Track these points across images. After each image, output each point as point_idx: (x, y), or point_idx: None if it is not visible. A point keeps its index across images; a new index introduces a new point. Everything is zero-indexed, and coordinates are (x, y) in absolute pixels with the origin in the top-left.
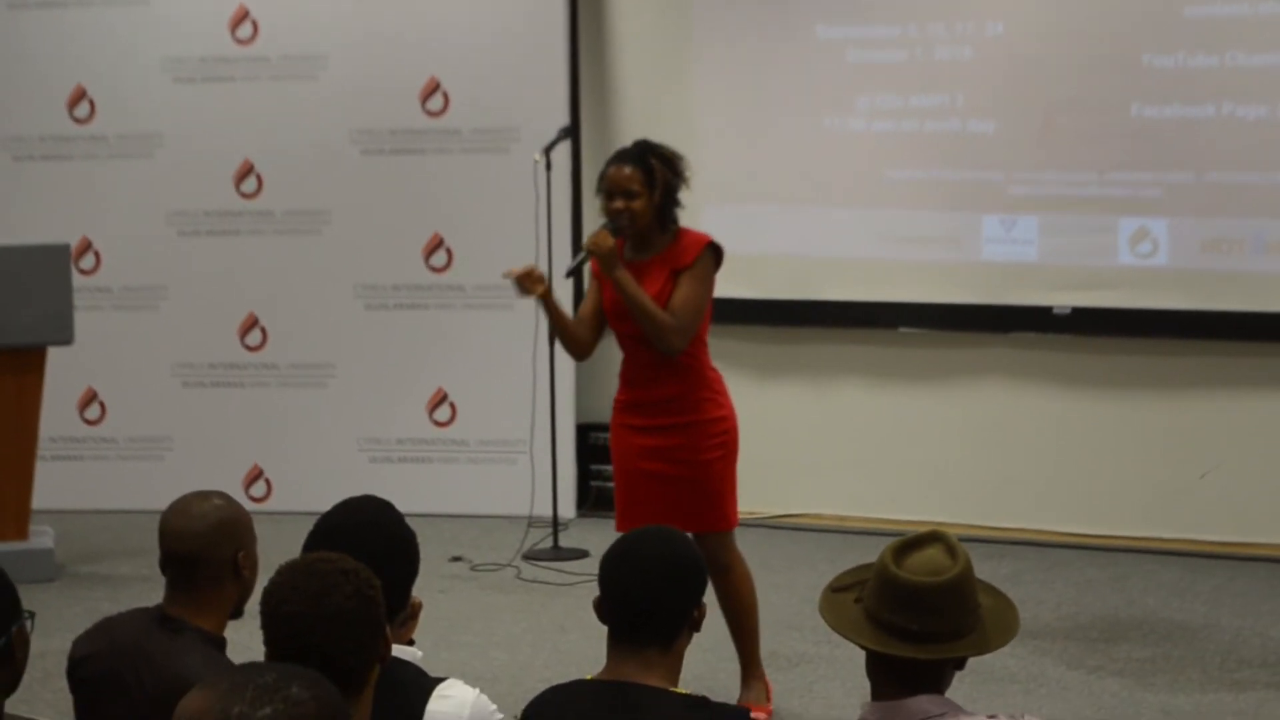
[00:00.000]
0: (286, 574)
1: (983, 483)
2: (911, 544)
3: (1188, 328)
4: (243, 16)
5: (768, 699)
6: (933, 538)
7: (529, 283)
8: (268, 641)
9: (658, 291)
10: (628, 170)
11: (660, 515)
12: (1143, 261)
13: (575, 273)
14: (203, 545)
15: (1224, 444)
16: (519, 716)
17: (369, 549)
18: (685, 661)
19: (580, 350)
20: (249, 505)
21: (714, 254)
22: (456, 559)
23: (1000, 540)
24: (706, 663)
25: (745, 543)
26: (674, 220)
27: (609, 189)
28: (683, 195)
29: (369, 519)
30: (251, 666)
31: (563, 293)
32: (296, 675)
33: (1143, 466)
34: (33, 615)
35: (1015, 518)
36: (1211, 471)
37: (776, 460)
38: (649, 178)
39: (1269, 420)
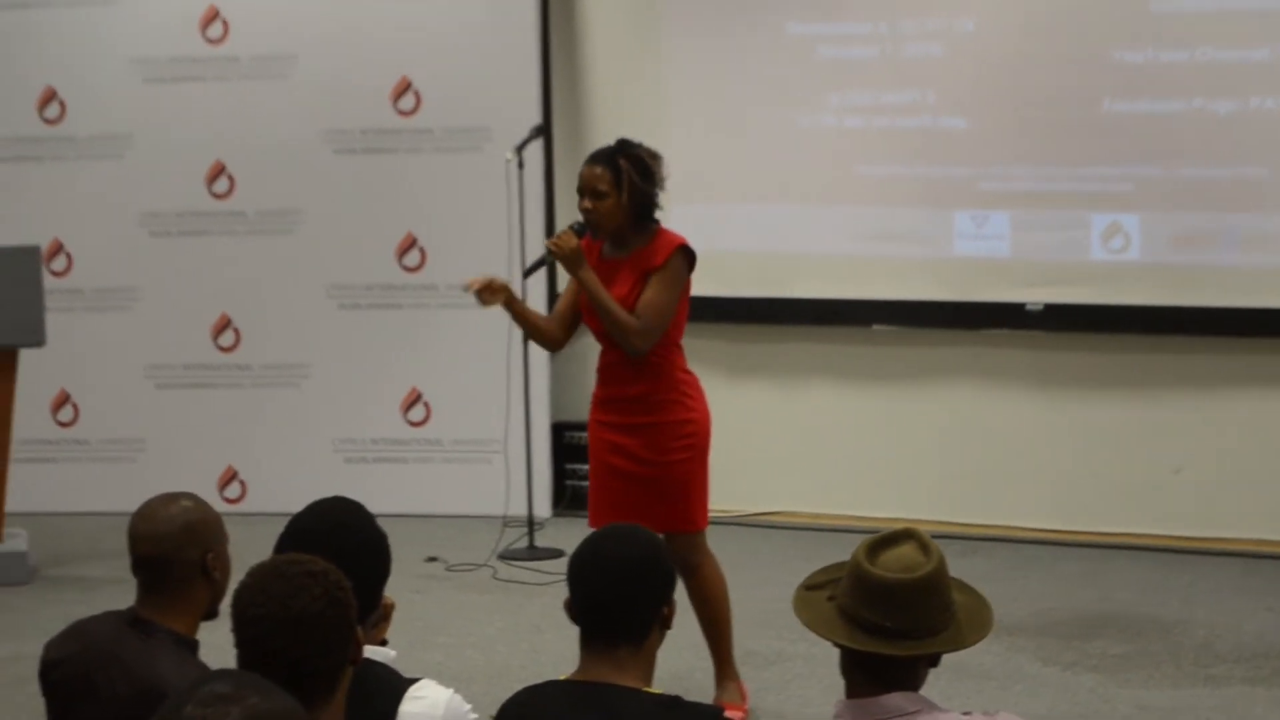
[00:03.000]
0: (256, 576)
1: (956, 479)
2: (885, 541)
3: (1160, 323)
4: (213, 16)
5: (742, 699)
6: (906, 535)
7: (488, 294)
8: (238, 644)
9: (628, 291)
10: (598, 170)
11: (629, 513)
12: (1115, 257)
13: (532, 272)
14: (171, 548)
15: (1197, 439)
16: (494, 717)
17: (339, 550)
18: (662, 660)
19: (553, 345)
20: (223, 507)
21: (686, 256)
22: (432, 559)
23: (974, 537)
24: (684, 660)
25: (717, 541)
26: (651, 220)
27: (580, 187)
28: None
29: (339, 520)
30: (213, 675)
31: (535, 286)
32: (254, 686)
33: (1116, 462)
34: None
35: (989, 514)
36: (1185, 467)
37: (749, 459)
38: (618, 178)
39: (1241, 415)
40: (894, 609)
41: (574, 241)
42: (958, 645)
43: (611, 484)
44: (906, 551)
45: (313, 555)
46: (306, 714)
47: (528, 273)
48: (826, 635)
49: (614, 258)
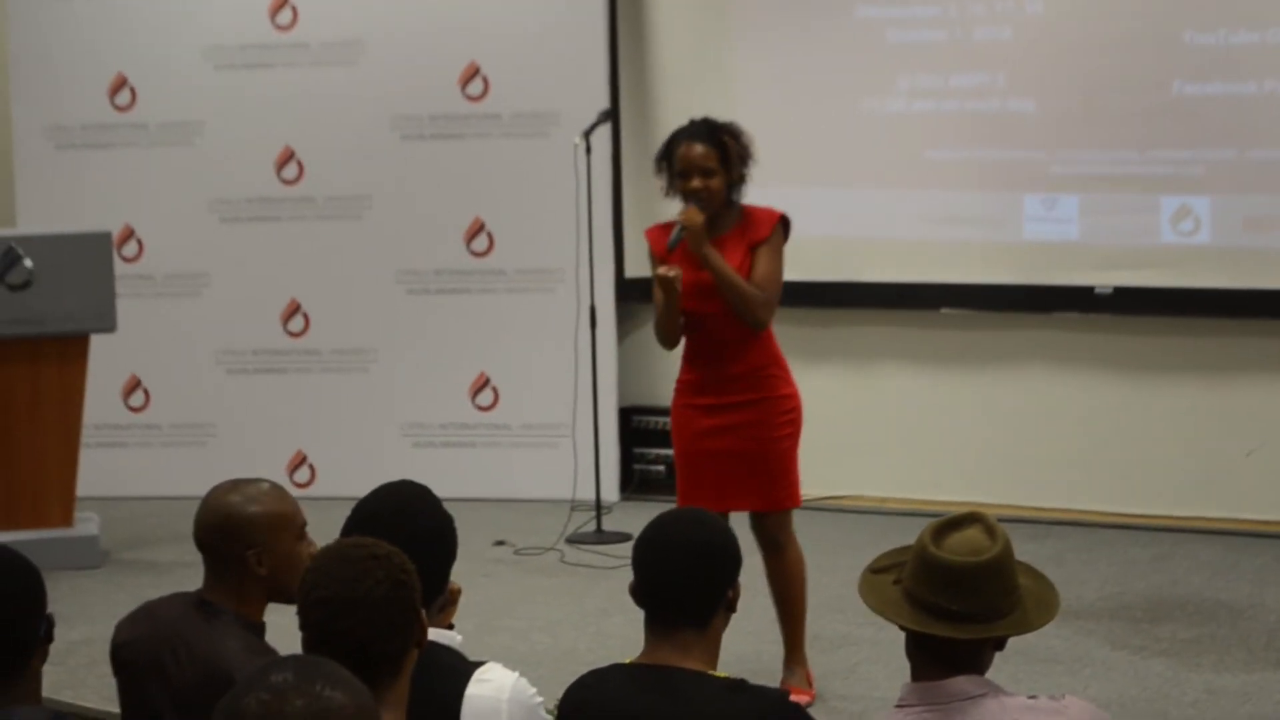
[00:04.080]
0: (320, 560)
1: (1025, 463)
2: (951, 524)
3: (1230, 306)
4: (282, 3)
5: (809, 684)
6: (972, 518)
7: (677, 278)
8: (303, 626)
9: (736, 267)
10: (703, 149)
11: (726, 494)
12: (1185, 240)
13: (673, 248)
14: (212, 539)
15: (1268, 422)
16: (559, 701)
17: (405, 534)
18: (728, 643)
19: (678, 338)
20: (294, 491)
21: (785, 228)
22: (500, 543)
23: (1043, 520)
24: (751, 644)
25: None
26: (740, 196)
27: (684, 169)
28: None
29: (405, 504)
30: (279, 663)
31: (602, 270)
32: (321, 674)
33: (1186, 445)
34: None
35: (1058, 498)
36: (1256, 450)
37: (817, 442)
38: (724, 155)
39: None
40: (959, 592)
41: (701, 217)
42: (1023, 629)
43: (708, 467)
44: (972, 535)
45: (379, 539)
46: (373, 700)
47: (671, 248)
48: (892, 618)
49: (709, 237)
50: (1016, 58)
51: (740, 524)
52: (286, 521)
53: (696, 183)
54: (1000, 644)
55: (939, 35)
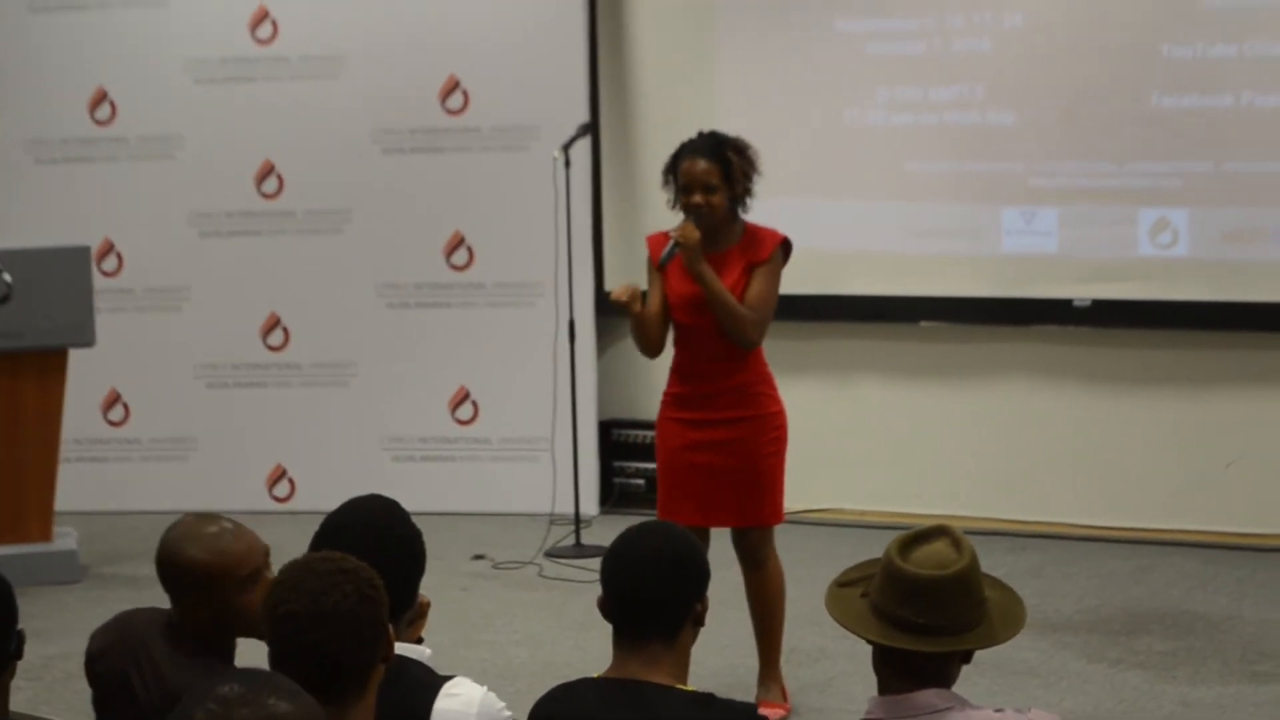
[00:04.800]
0: (287, 573)
1: (1004, 476)
2: (917, 538)
3: (1209, 319)
4: (263, 17)
5: (784, 698)
6: (939, 531)
7: (628, 300)
8: (270, 640)
9: (732, 284)
10: (705, 164)
11: (708, 508)
12: (1163, 252)
13: (666, 263)
14: (160, 574)
15: (1247, 435)
16: (529, 715)
17: (372, 547)
18: (703, 657)
19: (658, 348)
20: (272, 505)
21: (786, 252)
22: (479, 557)
23: (1022, 533)
24: (726, 657)
25: None
26: (744, 210)
27: (687, 183)
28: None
29: (372, 518)
30: (229, 676)
31: (581, 282)
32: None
33: (1165, 458)
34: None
35: (1037, 510)
36: (1236, 462)
37: (797, 455)
38: (727, 171)
39: None
40: (926, 605)
41: (698, 234)
42: (990, 642)
43: (691, 480)
44: (939, 548)
45: (346, 553)
46: (321, 711)
47: (662, 263)
48: (859, 632)
49: (708, 253)
50: (995, 70)
51: (719, 538)
52: (223, 572)
53: (698, 198)
54: (967, 657)
55: (918, 47)
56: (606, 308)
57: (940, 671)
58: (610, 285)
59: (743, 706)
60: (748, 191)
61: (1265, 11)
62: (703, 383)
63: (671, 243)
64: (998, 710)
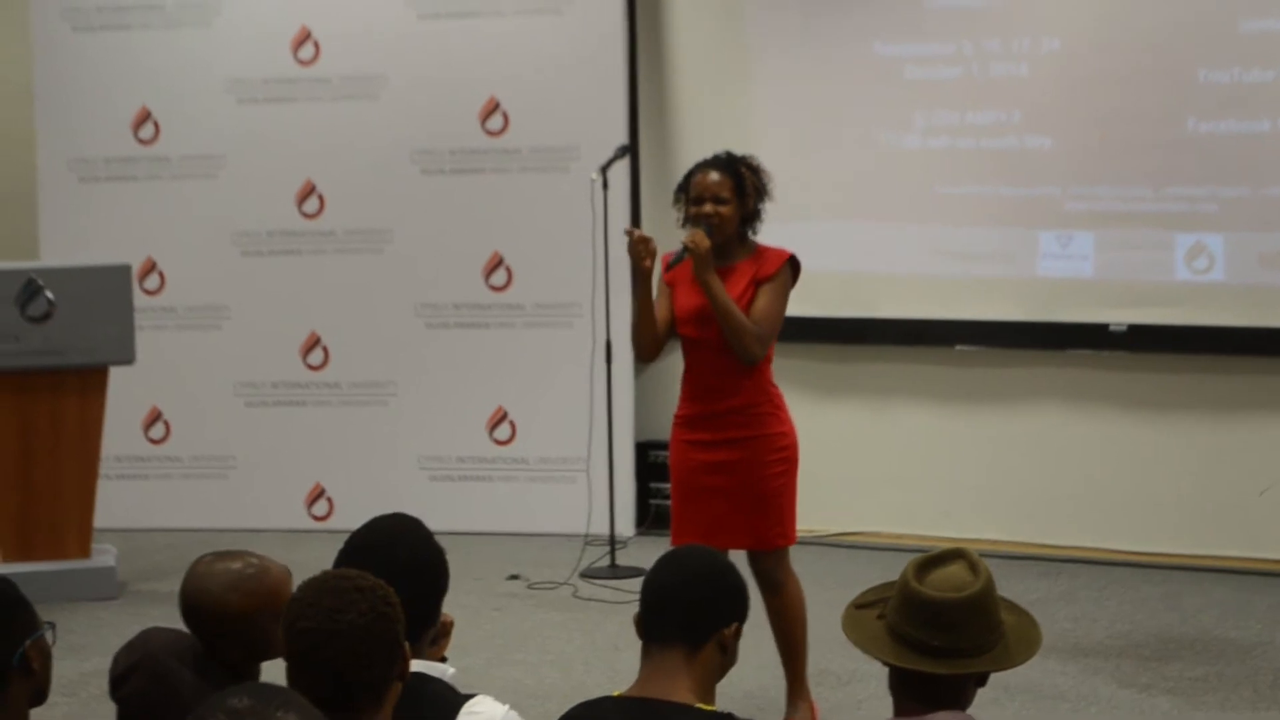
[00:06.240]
0: (305, 590)
1: (1038, 500)
2: (934, 560)
3: (1245, 344)
4: (305, 38)
5: (814, 718)
6: (955, 554)
7: (642, 248)
8: (286, 656)
9: (738, 298)
10: (718, 177)
11: (721, 531)
12: (1199, 277)
13: (672, 268)
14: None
15: None
16: None
17: (394, 566)
18: (735, 679)
19: (652, 348)
20: (310, 524)
21: (794, 269)
22: (514, 577)
23: (1055, 558)
24: (758, 679)
25: (800, 560)
26: (754, 232)
27: (699, 194)
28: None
29: (396, 536)
30: (236, 690)
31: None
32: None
33: (1199, 484)
34: (53, 626)
35: (1070, 535)
36: (1270, 489)
37: (831, 478)
38: (739, 186)
39: None
40: (941, 628)
41: (708, 242)
42: (1004, 665)
43: (702, 503)
44: (955, 571)
45: (368, 571)
46: None
47: (669, 268)
48: (874, 653)
49: (715, 268)
50: (1032, 95)
51: (739, 561)
52: (255, 612)
53: (708, 207)
54: (982, 680)
55: (956, 72)
56: None
57: (955, 694)
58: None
59: None
60: (758, 213)
61: None
62: (708, 402)
63: (681, 247)
64: None
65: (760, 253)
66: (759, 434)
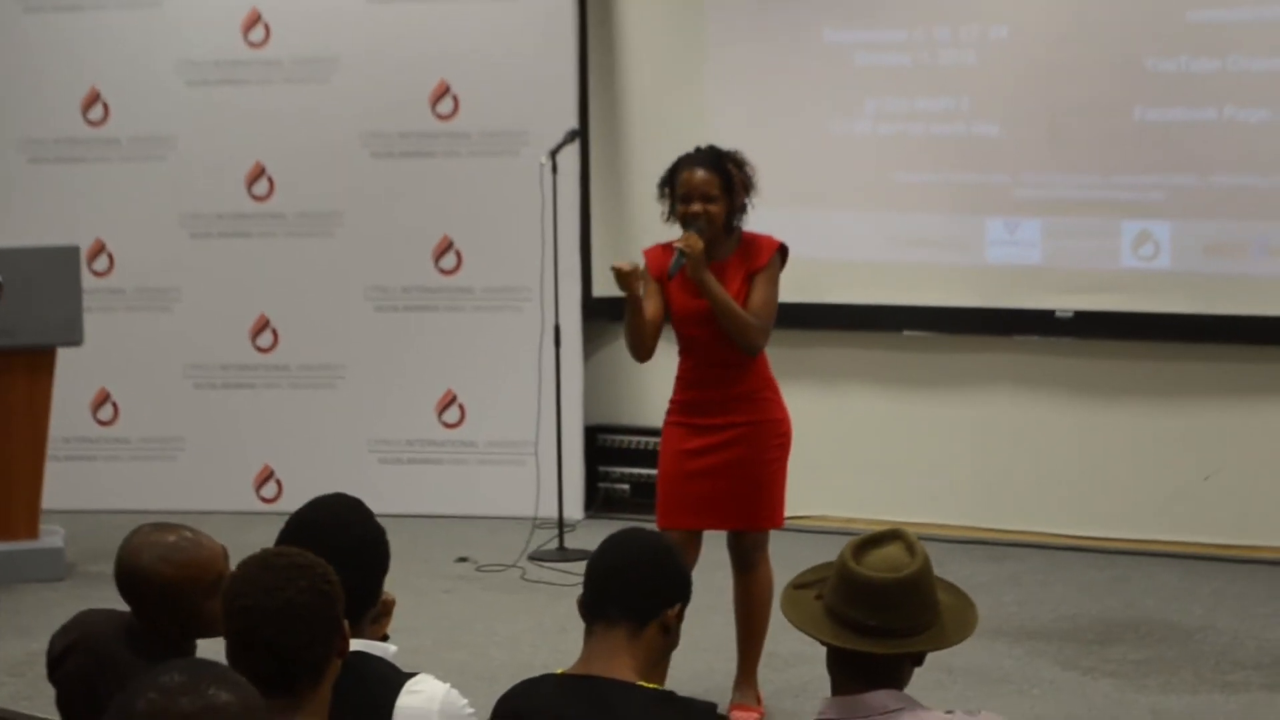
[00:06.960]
0: (245, 568)
1: (985, 485)
2: (872, 541)
3: (1190, 331)
4: (255, 20)
5: (759, 702)
6: (893, 535)
7: (631, 279)
8: (226, 634)
9: (734, 293)
10: (705, 175)
11: (707, 511)
12: (1145, 265)
13: (674, 274)
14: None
15: (1226, 447)
16: (492, 712)
17: (337, 545)
18: (681, 660)
19: (648, 351)
20: (259, 506)
21: (783, 257)
22: (463, 559)
23: (1002, 542)
24: (704, 661)
25: None
26: (739, 224)
27: (686, 193)
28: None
29: (337, 515)
30: (170, 665)
31: (569, 289)
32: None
33: (1145, 469)
34: None
35: (1017, 520)
36: (1215, 474)
37: None
38: (727, 182)
39: (1271, 423)
40: (878, 608)
41: (701, 244)
42: (940, 645)
43: (692, 483)
44: (892, 551)
45: (309, 549)
46: (262, 701)
47: (671, 275)
48: (812, 633)
49: (706, 263)
50: (981, 82)
51: (710, 544)
52: (188, 582)
53: (697, 207)
54: (919, 659)
55: (905, 59)
56: (594, 313)
57: (892, 673)
58: (598, 291)
59: (702, 705)
60: (745, 205)
61: (1248, 26)
62: (709, 390)
63: (677, 254)
64: (949, 712)
65: (748, 242)
66: (762, 419)
